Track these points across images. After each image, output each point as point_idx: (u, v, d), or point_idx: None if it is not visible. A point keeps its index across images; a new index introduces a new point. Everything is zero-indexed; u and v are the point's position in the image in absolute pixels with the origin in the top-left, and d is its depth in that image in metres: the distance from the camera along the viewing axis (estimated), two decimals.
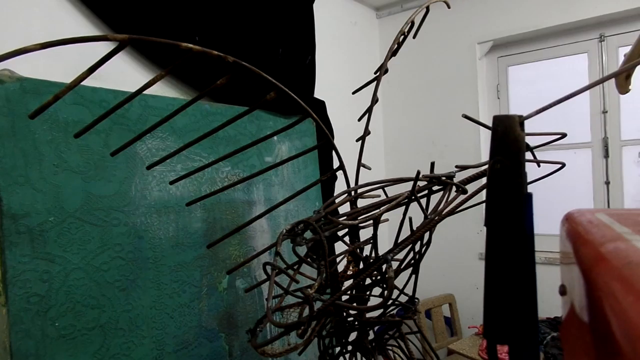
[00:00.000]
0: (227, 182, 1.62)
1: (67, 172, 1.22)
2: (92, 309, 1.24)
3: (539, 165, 1.13)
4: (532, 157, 1.12)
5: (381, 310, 1.11)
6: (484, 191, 1.09)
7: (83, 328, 1.21)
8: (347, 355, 1.20)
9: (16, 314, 1.09)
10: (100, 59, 0.65)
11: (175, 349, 1.42)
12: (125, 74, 1.51)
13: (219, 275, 1.58)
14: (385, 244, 2.71)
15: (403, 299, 1.17)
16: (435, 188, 1.07)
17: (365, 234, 1.14)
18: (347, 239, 1.17)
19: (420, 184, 1.03)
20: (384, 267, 0.99)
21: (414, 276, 1.17)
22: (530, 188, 1.13)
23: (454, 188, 1.03)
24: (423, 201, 1.06)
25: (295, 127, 1.04)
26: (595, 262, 0.35)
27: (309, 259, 0.96)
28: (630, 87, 0.97)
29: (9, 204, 1.10)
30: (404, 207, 1.04)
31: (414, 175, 0.99)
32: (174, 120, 1.46)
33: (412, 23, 1.32)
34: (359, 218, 1.03)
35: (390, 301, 1.08)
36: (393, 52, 1.31)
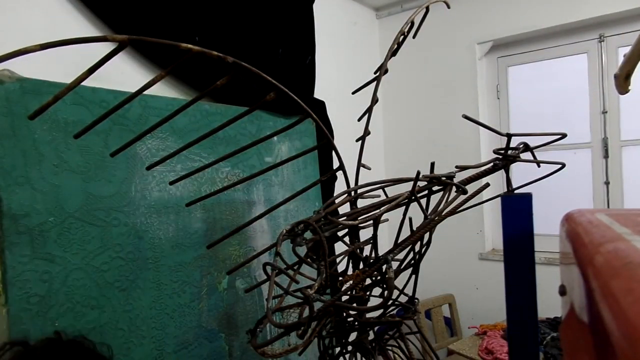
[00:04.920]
0: (227, 182, 1.62)
1: (67, 172, 1.22)
2: (92, 309, 1.24)
3: (539, 166, 1.13)
4: (532, 158, 1.12)
5: (381, 311, 1.11)
6: (484, 191, 1.09)
7: (83, 328, 1.21)
8: (347, 356, 1.20)
9: (16, 314, 1.09)
10: (100, 60, 0.65)
11: (175, 349, 1.42)
12: (125, 74, 1.51)
13: (219, 275, 1.58)
14: (385, 244, 2.71)
15: (403, 299, 1.17)
16: (435, 188, 1.07)
17: (365, 234, 1.14)
18: (347, 239, 1.17)
19: (420, 184, 1.03)
20: (384, 267, 0.99)
21: (414, 276, 1.17)
22: (530, 188, 1.13)
23: (454, 188, 1.03)
24: (423, 201, 1.06)
25: (295, 127, 1.03)
26: (594, 262, 0.35)
27: (309, 260, 0.96)
28: (629, 87, 0.97)
29: (9, 204, 1.10)
30: (404, 207, 1.04)
31: (413, 176, 0.99)
32: (174, 121, 1.46)
33: (412, 23, 1.32)
34: (359, 218, 1.03)
35: (390, 301, 1.08)
36: (393, 52, 1.32)
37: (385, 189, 1.13)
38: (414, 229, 1.02)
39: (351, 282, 1.02)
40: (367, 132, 1.29)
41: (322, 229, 0.93)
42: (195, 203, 1.19)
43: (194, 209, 1.51)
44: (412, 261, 1.13)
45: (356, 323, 1.17)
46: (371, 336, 1.21)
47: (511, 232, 1.00)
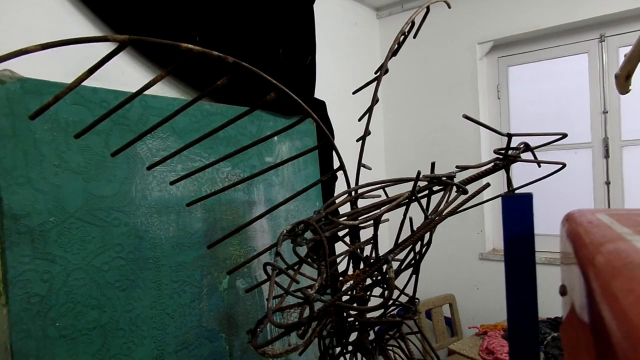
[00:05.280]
0: (227, 183, 1.62)
1: (67, 172, 1.22)
2: (93, 309, 1.24)
3: (539, 166, 1.13)
4: (532, 158, 1.12)
5: (382, 311, 1.11)
6: (485, 191, 1.09)
7: (84, 328, 1.21)
8: (347, 356, 1.20)
9: (17, 314, 1.10)
10: (101, 60, 0.65)
11: (176, 349, 1.42)
12: (126, 74, 1.51)
13: (220, 275, 1.58)
14: (385, 244, 2.71)
15: (403, 299, 1.17)
16: (435, 188, 1.07)
17: (365, 234, 1.14)
18: (347, 239, 1.17)
19: (421, 184, 1.03)
20: (384, 267, 0.99)
21: (414, 276, 1.17)
22: (530, 188, 1.13)
23: (455, 188, 1.03)
24: (423, 201, 1.06)
25: (295, 127, 1.04)
26: (595, 262, 0.35)
27: (309, 260, 0.96)
28: (630, 87, 0.97)
29: (10, 204, 1.10)
30: (404, 207, 1.04)
31: (414, 176, 0.99)
32: (175, 121, 1.46)
33: (413, 23, 1.32)
34: (359, 218, 1.03)
35: (391, 301, 1.08)
36: (393, 52, 1.32)
37: (386, 189, 1.13)
38: (415, 229, 1.02)
39: (351, 282, 1.02)
40: (367, 132, 1.29)
41: (323, 229, 0.93)
42: (196, 203, 1.19)
43: (194, 209, 1.51)
44: (413, 261, 1.13)
45: (356, 323, 1.17)
46: (371, 336, 1.21)
47: (512, 232, 1.00)
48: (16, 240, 1.11)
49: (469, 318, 2.72)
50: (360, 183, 1.18)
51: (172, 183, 1.19)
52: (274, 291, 0.85)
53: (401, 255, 1.07)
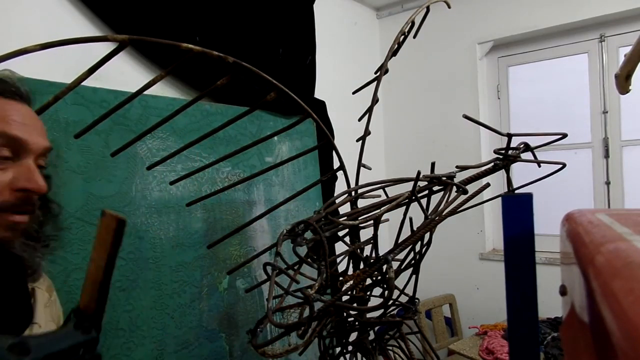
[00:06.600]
0: (227, 182, 1.62)
1: (67, 172, 1.22)
2: None
3: (539, 166, 1.13)
4: (532, 158, 1.12)
5: (382, 311, 1.11)
6: (485, 191, 1.09)
7: None
8: (347, 356, 1.20)
9: None
10: (101, 60, 0.65)
11: (176, 349, 1.42)
12: (126, 74, 1.51)
13: (220, 275, 1.58)
14: (385, 244, 2.71)
15: (403, 299, 1.17)
16: (435, 188, 1.07)
17: (365, 234, 1.14)
18: (347, 239, 1.17)
19: (421, 184, 1.03)
20: (384, 267, 0.99)
21: (414, 276, 1.17)
22: (530, 188, 1.13)
23: (455, 188, 1.03)
24: (423, 201, 1.06)
25: (295, 127, 1.04)
26: (595, 262, 0.35)
27: (309, 260, 0.96)
28: (630, 87, 0.97)
29: None
30: (404, 207, 1.04)
31: (414, 176, 0.99)
32: (175, 121, 1.46)
33: (413, 23, 1.32)
34: (359, 218, 1.03)
35: (391, 301, 1.08)
36: (393, 52, 1.32)
37: (386, 189, 1.13)
38: (415, 229, 1.02)
39: (351, 282, 1.02)
40: (367, 132, 1.29)
41: (323, 229, 0.93)
42: (196, 203, 1.19)
43: (194, 209, 1.51)
44: (413, 261, 1.13)
45: (356, 323, 1.17)
46: (371, 336, 1.21)
47: (512, 232, 1.00)
48: None
49: (469, 318, 2.72)
50: (360, 183, 1.18)
51: (172, 183, 1.19)
52: (274, 291, 0.85)
53: (401, 255, 1.07)
